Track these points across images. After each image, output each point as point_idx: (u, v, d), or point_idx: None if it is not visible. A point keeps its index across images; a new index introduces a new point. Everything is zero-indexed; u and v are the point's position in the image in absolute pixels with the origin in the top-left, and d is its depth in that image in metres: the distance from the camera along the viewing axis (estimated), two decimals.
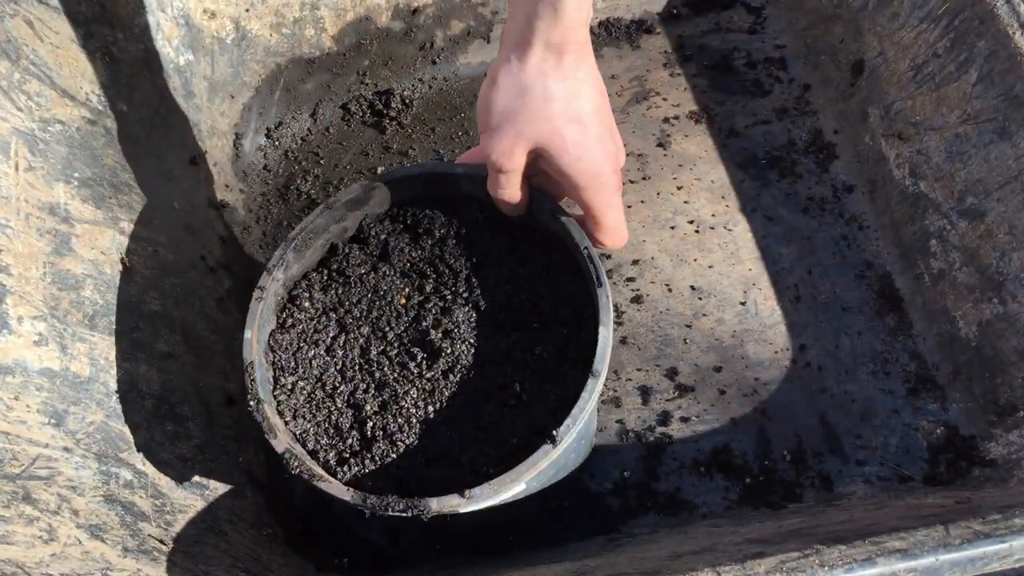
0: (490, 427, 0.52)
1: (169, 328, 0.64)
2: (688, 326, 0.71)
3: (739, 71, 0.84)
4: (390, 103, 0.83)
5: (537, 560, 0.60)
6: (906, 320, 0.69)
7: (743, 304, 0.71)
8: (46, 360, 0.54)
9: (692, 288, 0.72)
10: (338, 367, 0.55)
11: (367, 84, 0.84)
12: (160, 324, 0.63)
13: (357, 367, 0.55)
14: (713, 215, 0.76)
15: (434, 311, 0.56)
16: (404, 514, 0.48)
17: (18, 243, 0.55)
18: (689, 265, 0.74)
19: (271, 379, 0.54)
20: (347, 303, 0.57)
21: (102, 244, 0.61)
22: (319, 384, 0.55)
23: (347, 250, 0.58)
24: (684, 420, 0.67)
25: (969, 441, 0.64)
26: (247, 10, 0.77)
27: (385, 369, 0.54)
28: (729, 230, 0.75)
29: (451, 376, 0.54)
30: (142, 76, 0.70)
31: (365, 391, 0.54)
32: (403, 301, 0.57)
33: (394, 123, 0.83)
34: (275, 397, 0.53)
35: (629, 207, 0.77)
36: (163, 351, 0.63)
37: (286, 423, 0.52)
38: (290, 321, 0.56)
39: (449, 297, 0.56)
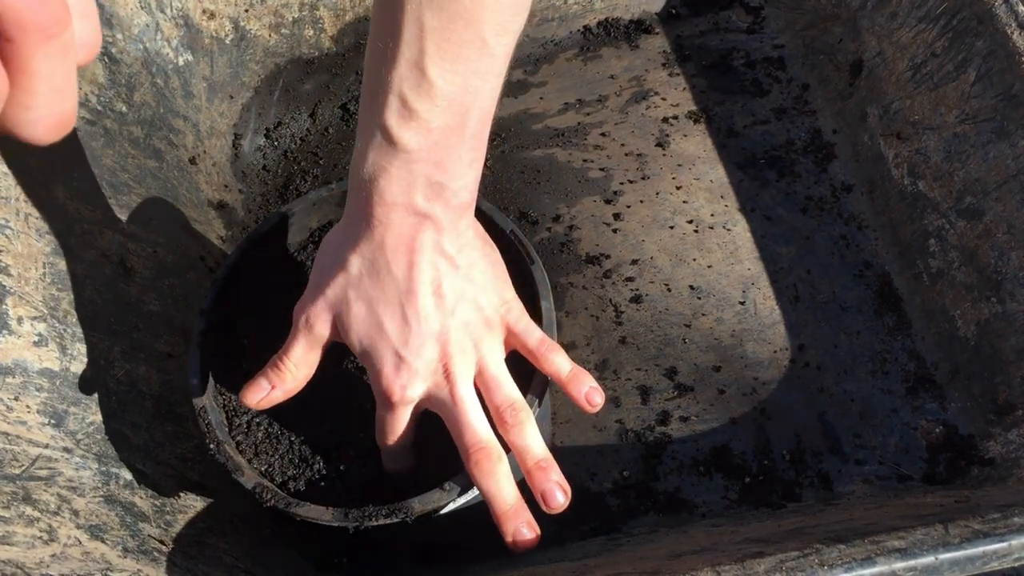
0: None
1: (169, 328, 0.64)
2: (687, 326, 0.71)
3: (738, 71, 0.84)
4: None
5: (537, 560, 0.60)
6: (905, 319, 0.70)
7: (742, 304, 0.72)
8: (46, 360, 0.54)
9: (691, 288, 0.73)
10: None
11: None
12: (160, 324, 0.63)
13: (310, 392, 0.55)
14: (712, 215, 0.76)
15: None
16: (388, 520, 0.48)
17: (18, 243, 0.55)
18: (688, 265, 0.74)
19: (225, 422, 0.54)
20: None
21: (102, 244, 0.61)
22: (275, 417, 0.54)
23: (277, 281, 0.58)
24: (683, 420, 0.67)
25: (968, 440, 0.64)
26: (246, 10, 0.77)
27: (339, 387, 0.54)
28: (728, 230, 0.75)
29: None
30: (141, 76, 0.70)
31: (322, 413, 0.54)
32: None
33: None
34: (233, 438, 0.53)
35: (628, 207, 0.77)
36: (163, 351, 0.63)
37: (249, 461, 0.52)
38: (233, 361, 0.56)
39: None
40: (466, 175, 0.46)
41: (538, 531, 0.49)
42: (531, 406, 0.49)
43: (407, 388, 0.47)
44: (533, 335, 0.51)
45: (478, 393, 0.50)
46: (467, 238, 0.48)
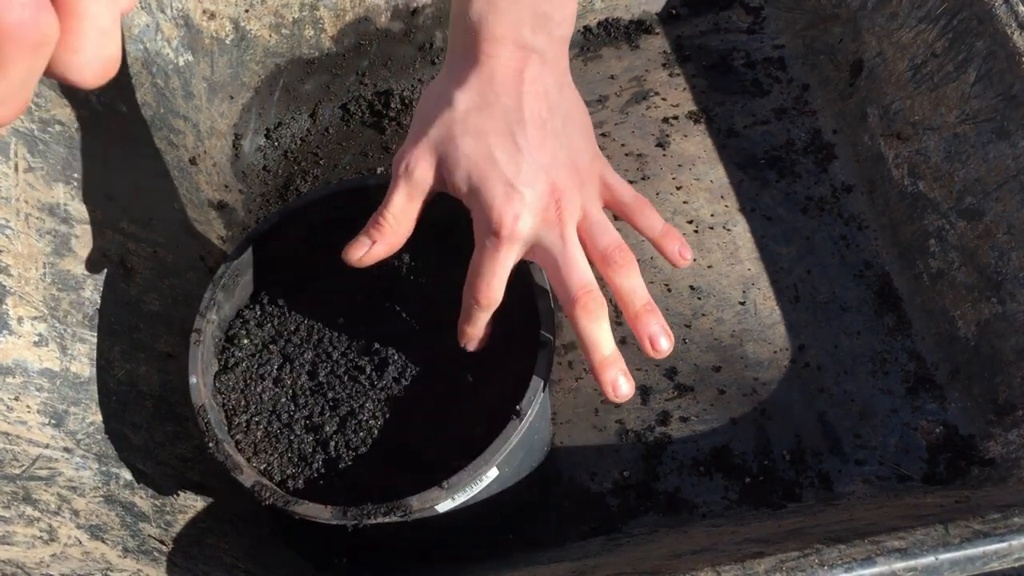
0: (451, 422, 0.53)
1: (169, 329, 0.64)
2: (687, 326, 0.71)
3: (738, 71, 0.84)
4: (390, 103, 0.83)
5: (537, 560, 0.60)
6: (905, 320, 0.70)
7: (742, 304, 0.72)
8: (46, 361, 0.54)
9: (691, 288, 0.73)
10: (289, 396, 0.55)
11: (366, 84, 0.84)
12: (160, 324, 0.63)
13: (308, 392, 0.55)
14: (712, 215, 0.76)
15: (374, 322, 0.56)
16: (387, 519, 0.48)
17: (18, 244, 0.55)
18: (688, 265, 0.74)
19: (224, 421, 0.54)
20: (286, 332, 0.57)
21: (102, 245, 0.61)
22: (274, 416, 0.54)
23: (275, 281, 0.58)
24: (683, 420, 0.67)
25: (968, 440, 0.64)
26: (246, 11, 0.77)
27: (337, 387, 0.55)
28: (728, 230, 0.75)
29: (403, 381, 0.54)
30: (141, 76, 0.70)
31: (321, 413, 0.54)
32: (341, 320, 0.57)
33: (393, 123, 0.83)
34: (232, 437, 0.53)
35: None
36: (163, 351, 0.63)
37: (248, 460, 0.52)
38: (232, 361, 0.56)
39: (386, 305, 0.57)
40: (568, 5, 0.47)
41: (634, 384, 0.49)
42: (531, 406, 0.49)
43: (519, 219, 0.45)
44: (627, 190, 0.51)
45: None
46: (567, 80, 0.48)
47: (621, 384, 0.48)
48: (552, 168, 0.46)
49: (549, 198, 0.46)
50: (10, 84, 0.26)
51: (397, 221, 0.49)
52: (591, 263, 0.49)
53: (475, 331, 0.51)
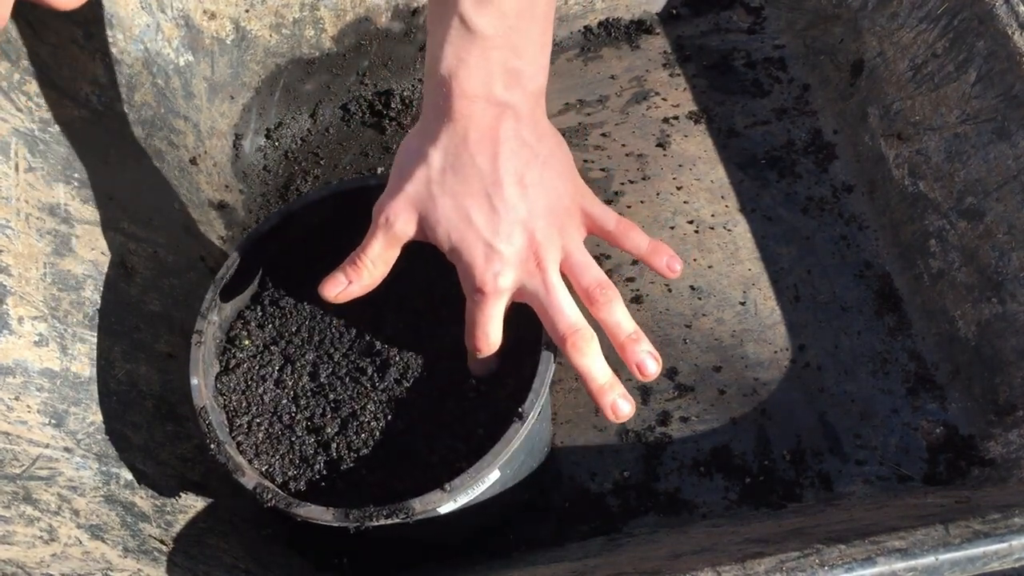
0: (453, 424, 0.53)
1: (169, 329, 0.64)
2: (688, 326, 0.71)
3: (738, 71, 0.84)
4: (390, 103, 0.83)
5: (537, 560, 0.60)
6: (905, 320, 0.69)
7: (743, 304, 0.72)
8: (46, 360, 0.54)
9: (692, 288, 0.73)
10: (291, 397, 0.55)
11: (367, 85, 0.84)
12: (160, 325, 0.63)
13: (310, 393, 0.55)
14: (713, 215, 0.76)
15: (375, 323, 0.56)
16: (389, 520, 0.48)
17: (18, 244, 0.55)
18: (688, 265, 0.74)
19: (225, 422, 0.54)
20: (287, 334, 0.57)
21: (102, 245, 0.61)
22: (275, 418, 0.54)
23: (276, 282, 0.58)
24: (684, 420, 0.67)
25: (968, 440, 0.64)
26: (247, 11, 0.77)
27: (338, 389, 0.54)
28: (729, 230, 0.75)
29: (404, 382, 0.54)
30: (142, 76, 0.70)
31: (322, 415, 0.54)
32: (342, 321, 0.57)
33: (394, 123, 0.83)
34: (234, 438, 0.53)
35: (629, 207, 0.77)
36: (163, 352, 0.63)
37: (250, 461, 0.52)
38: (233, 362, 0.56)
39: (388, 306, 0.57)
40: (539, 59, 0.47)
41: (633, 402, 0.51)
42: (533, 408, 0.49)
43: (499, 276, 0.48)
44: (610, 218, 0.53)
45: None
46: (543, 127, 0.49)
47: (621, 406, 0.50)
48: (530, 221, 0.48)
49: (528, 251, 0.48)
50: None
51: (374, 265, 0.51)
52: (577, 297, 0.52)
53: (481, 368, 0.54)
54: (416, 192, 0.49)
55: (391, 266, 0.52)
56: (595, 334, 0.50)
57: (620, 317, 0.51)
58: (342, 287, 0.52)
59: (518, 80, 0.47)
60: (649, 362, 0.50)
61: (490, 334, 0.50)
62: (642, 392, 0.68)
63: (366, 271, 0.51)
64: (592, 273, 0.51)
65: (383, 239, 0.51)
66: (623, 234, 0.53)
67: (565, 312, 0.49)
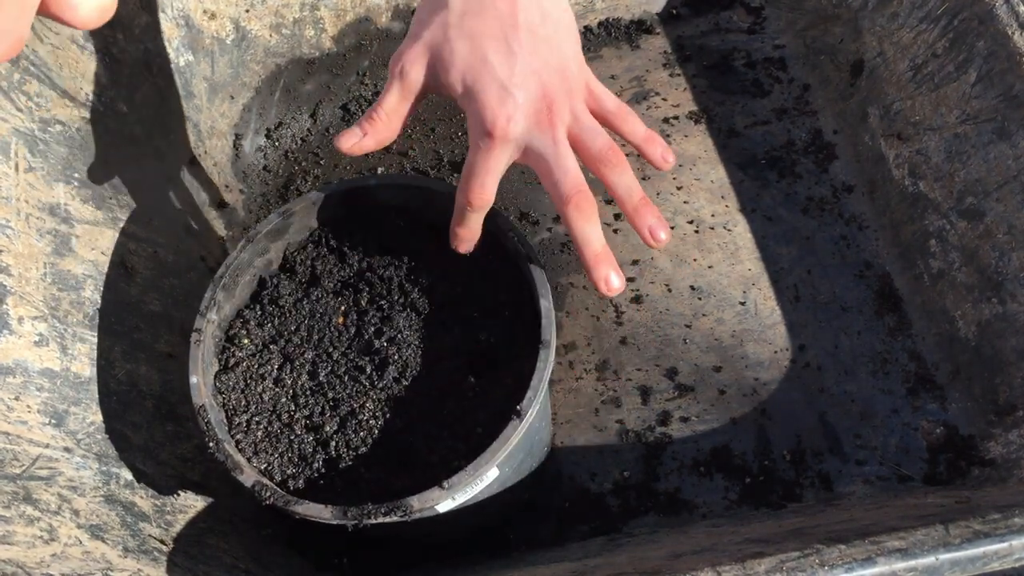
0: (453, 422, 0.53)
1: (169, 329, 0.64)
2: (688, 326, 0.71)
3: (739, 71, 0.84)
4: None
5: (537, 560, 0.60)
6: (905, 320, 0.70)
7: (743, 304, 0.72)
8: (46, 360, 0.54)
9: (692, 288, 0.73)
10: (289, 396, 0.55)
11: (367, 84, 0.84)
12: (160, 324, 0.63)
13: (309, 392, 0.55)
14: (713, 215, 0.76)
15: (374, 322, 0.56)
16: (387, 518, 0.48)
17: (18, 243, 0.55)
18: (689, 265, 0.74)
19: (224, 421, 0.54)
20: (286, 332, 0.57)
21: (102, 245, 0.61)
22: (274, 416, 0.54)
23: (276, 281, 0.58)
24: (684, 420, 0.67)
25: (968, 440, 0.64)
26: (247, 11, 0.77)
27: (337, 387, 0.55)
28: (729, 230, 0.75)
29: (403, 381, 0.54)
30: (142, 77, 0.70)
31: (321, 413, 0.54)
32: (341, 319, 0.57)
33: None
34: (233, 437, 0.53)
35: None
36: (163, 351, 0.63)
37: (249, 460, 0.52)
38: (232, 361, 0.56)
39: (386, 306, 0.57)
40: None
41: (624, 279, 0.50)
42: (531, 406, 0.49)
43: (512, 120, 0.47)
44: (611, 98, 0.52)
45: None
46: None
47: (613, 279, 0.50)
48: (544, 73, 0.48)
49: (541, 102, 0.48)
50: (4, 19, 0.26)
51: (389, 118, 0.51)
52: (583, 166, 0.51)
53: (467, 232, 0.53)
54: (432, 37, 0.48)
55: (406, 120, 0.52)
56: (595, 203, 0.50)
57: (631, 181, 0.50)
58: (356, 139, 0.51)
59: None
60: (661, 229, 0.50)
61: (487, 185, 0.49)
62: (642, 392, 0.68)
63: (382, 124, 0.51)
64: (604, 136, 0.50)
65: (398, 90, 0.50)
66: (622, 117, 0.52)
67: (571, 172, 0.48)
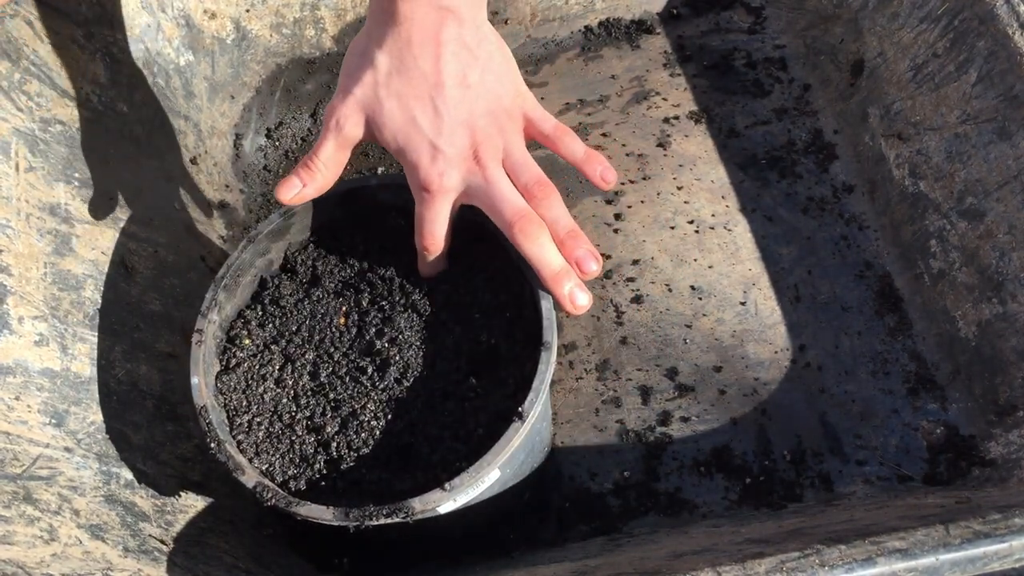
0: (454, 424, 0.53)
1: (170, 328, 0.64)
2: (688, 326, 0.71)
3: (739, 71, 0.84)
4: None
5: (537, 560, 0.60)
6: (906, 320, 0.69)
7: (743, 304, 0.72)
8: (47, 360, 0.54)
9: (692, 288, 0.73)
10: (291, 396, 0.55)
11: None
12: (161, 324, 0.63)
13: (310, 392, 0.55)
14: (713, 215, 0.76)
15: (375, 323, 0.56)
16: (389, 520, 0.48)
17: (19, 243, 0.55)
18: (689, 265, 0.74)
19: (226, 421, 0.54)
20: (287, 333, 0.57)
21: (103, 244, 0.61)
22: (275, 417, 0.54)
23: (277, 282, 0.59)
24: (684, 420, 0.67)
25: (969, 441, 0.64)
26: (247, 10, 0.77)
27: (338, 388, 0.55)
28: (729, 230, 0.75)
29: (404, 382, 0.54)
30: (142, 76, 0.70)
31: (322, 414, 0.54)
32: (342, 320, 0.57)
33: None
34: (234, 437, 0.53)
35: (629, 207, 0.77)
36: (164, 351, 0.63)
37: (250, 460, 0.52)
38: (233, 361, 0.56)
39: (387, 307, 0.57)
40: None
41: (590, 294, 0.51)
42: (533, 408, 0.49)
43: (444, 175, 0.50)
44: (548, 121, 0.54)
45: None
46: (485, 31, 0.51)
47: (578, 295, 0.51)
48: (471, 121, 0.50)
49: (469, 150, 0.50)
50: None
51: (326, 167, 0.53)
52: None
53: (429, 270, 0.56)
54: (364, 95, 0.51)
55: (342, 168, 0.54)
56: (543, 222, 0.51)
57: (559, 213, 0.52)
58: (297, 189, 0.54)
59: None
60: (591, 261, 0.51)
61: (436, 232, 0.52)
62: (642, 392, 0.68)
63: (319, 173, 0.53)
64: (531, 170, 0.52)
65: (334, 141, 0.52)
66: (558, 138, 0.54)
67: (509, 199, 0.50)
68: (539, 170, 0.52)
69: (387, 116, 0.50)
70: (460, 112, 0.50)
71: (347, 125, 0.52)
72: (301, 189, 0.54)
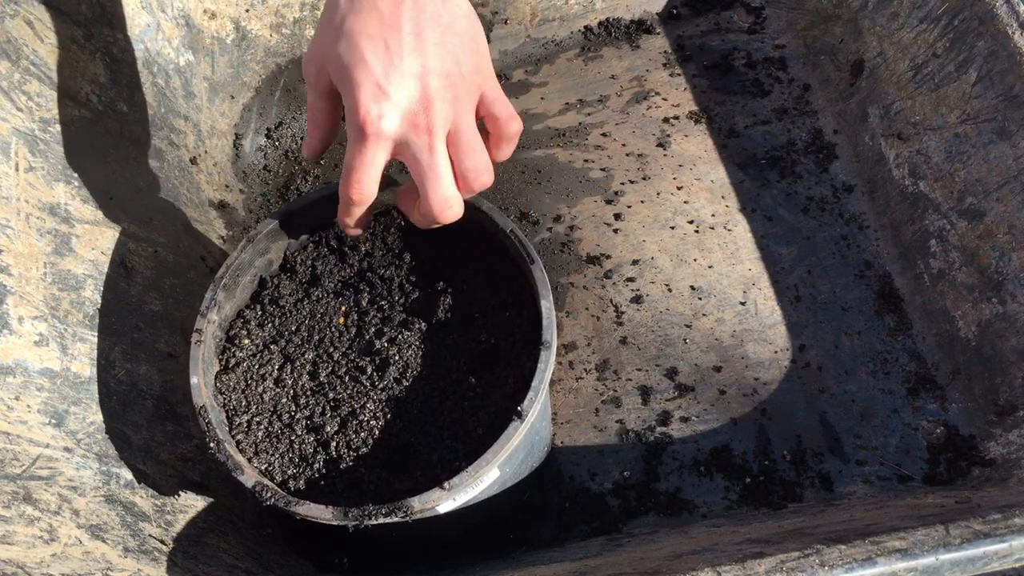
0: (453, 423, 0.53)
1: (170, 328, 0.64)
2: (688, 326, 0.71)
3: (739, 71, 0.84)
4: None
5: (537, 560, 0.60)
6: (906, 320, 0.69)
7: (743, 304, 0.72)
8: (47, 360, 0.54)
9: (692, 288, 0.73)
10: (290, 396, 0.55)
11: None
12: (160, 324, 0.63)
13: (309, 392, 0.55)
14: (713, 215, 0.76)
15: (375, 322, 0.56)
16: (388, 519, 0.48)
17: (19, 243, 0.55)
18: (689, 265, 0.74)
19: (225, 421, 0.54)
20: (287, 333, 0.57)
21: (102, 244, 0.61)
22: (275, 416, 0.54)
23: (276, 282, 0.59)
24: (684, 420, 0.67)
25: (969, 441, 0.64)
26: (247, 10, 0.77)
27: (338, 388, 0.55)
28: (729, 230, 0.75)
29: (404, 382, 0.54)
30: (142, 76, 0.70)
31: (322, 413, 0.54)
32: (342, 320, 0.57)
33: None
34: (233, 437, 0.53)
35: (629, 207, 0.77)
36: (164, 351, 0.63)
37: (249, 460, 0.52)
38: (233, 361, 0.56)
39: (386, 306, 0.57)
40: None
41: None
42: (532, 407, 0.49)
43: (383, 118, 0.47)
44: (503, 108, 0.51)
45: None
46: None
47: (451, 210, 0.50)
48: (425, 76, 0.47)
49: (419, 104, 0.47)
50: None
51: (316, 117, 0.53)
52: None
53: (351, 222, 0.53)
54: (321, 37, 0.49)
55: (334, 117, 0.53)
56: (461, 212, 0.50)
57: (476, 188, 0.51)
58: (308, 143, 0.54)
59: None
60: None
61: (364, 182, 0.49)
62: (642, 392, 0.68)
63: (313, 123, 0.53)
64: (477, 158, 0.50)
65: (311, 90, 0.52)
66: (502, 133, 0.52)
67: (443, 184, 0.49)
68: (486, 158, 0.50)
69: (337, 53, 0.48)
70: (413, 62, 0.47)
71: (311, 71, 0.50)
72: (310, 142, 0.53)
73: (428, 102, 0.47)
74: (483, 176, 0.50)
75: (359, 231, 0.54)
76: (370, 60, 0.47)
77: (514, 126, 0.51)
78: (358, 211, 0.52)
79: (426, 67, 0.47)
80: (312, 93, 0.51)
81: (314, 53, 0.50)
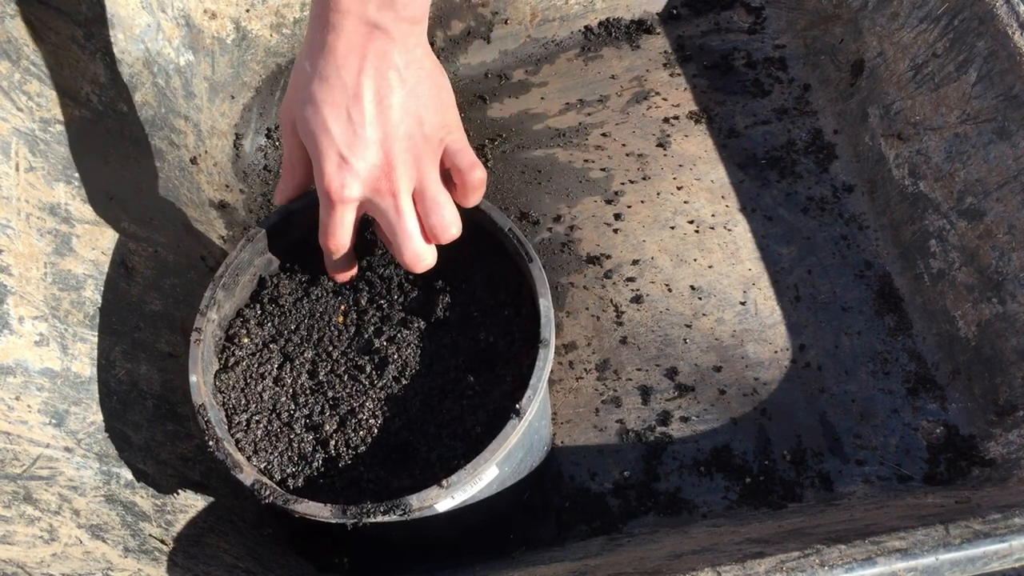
0: (452, 422, 0.53)
1: (170, 328, 0.64)
2: (688, 326, 0.71)
3: (739, 71, 0.84)
4: None
5: (537, 560, 0.60)
6: (906, 320, 0.70)
7: (743, 304, 0.72)
8: (47, 360, 0.54)
9: (692, 288, 0.73)
10: (289, 395, 0.55)
11: None
12: (161, 324, 0.63)
13: (308, 391, 0.55)
14: (713, 215, 0.76)
15: (374, 321, 0.56)
16: (386, 517, 0.48)
17: (19, 243, 0.55)
18: (689, 265, 0.74)
19: (224, 419, 0.54)
20: (286, 332, 0.57)
21: (103, 244, 0.61)
22: (274, 415, 0.54)
23: (276, 281, 0.59)
24: (684, 420, 0.67)
25: (969, 441, 0.64)
26: (247, 11, 0.77)
27: (337, 386, 0.55)
28: (729, 230, 0.75)
29: (403, 380, 0.54)
30: (142, 76, 0.70)
31: (321, 412, 0.54)
32: (341, 319, 0.57)
33: None
34: (232, 435, 0.53)
35: (629, 207, 0.77)
36: (164, 351, 0.63)
37: (248, 458, 0.52)
38: (232, 360, 0.56)
39: (386, 305, 0.57)
40: None
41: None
42: (530, 405, 0.49)
43: (346, 188, 0.50)
44: (466, 161, 0.52)
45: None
46: (416, 55, 0.50)
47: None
48: (386, 142, 0.49)
49: (380, 171, 0.50)
50: None
51: (290, 164, 0.55)
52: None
53: (336, 268, 0.57)
54: (290, 100, 0.51)
55: (304, 164, 0.54)
56: (434, 263, 0.52)
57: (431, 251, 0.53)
58: (282, 191, 0.56)
59: (391, 4, 0.48)
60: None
61: (338, 236, 0.53)
62: (642, 392, 0.68)
63: (287, 172, 0.55)
64: (445, 213, 0.51)
65: (287, 142, 0.53)
66: (466, 183, 0.53)
67: (413, 240, 0.51)
68: (453, 212, 0.52)
69: (304, 118, 0.50)
70: (374, 131, 0.49)
71: (286, 126, 0.52)
72: (284, 190, 0.55)
73: (390, 168, 0.50)
74: (450, 229, 0.52)
75: (347, 277, 0.57)
76: (333, 130, 0.49)
77: (477, 174, 0.53)
78: (340, 259, 0.55)
79: (387, 134, 0.49)
80: (288, 142, 0.53)
81: (286, 109, 0.52)
